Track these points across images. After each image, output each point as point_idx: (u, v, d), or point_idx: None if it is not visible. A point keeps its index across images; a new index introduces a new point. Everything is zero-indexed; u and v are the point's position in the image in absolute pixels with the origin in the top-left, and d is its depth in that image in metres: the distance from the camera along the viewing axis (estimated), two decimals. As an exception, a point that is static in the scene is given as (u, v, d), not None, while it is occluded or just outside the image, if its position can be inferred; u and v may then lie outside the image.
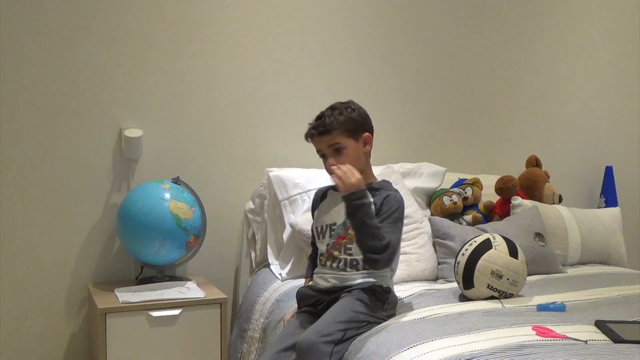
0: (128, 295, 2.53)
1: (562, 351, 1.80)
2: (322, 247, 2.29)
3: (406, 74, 3.43)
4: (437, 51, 3.50)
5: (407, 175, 3.12)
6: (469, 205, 3.15)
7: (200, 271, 2.98)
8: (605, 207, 3.73)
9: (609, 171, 3.84)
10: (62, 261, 2.81)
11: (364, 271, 2.20)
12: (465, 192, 3.14)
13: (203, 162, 3.00)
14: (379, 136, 3.37)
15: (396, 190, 2.26)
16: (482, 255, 2.40)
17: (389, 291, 2.23)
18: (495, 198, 3.25)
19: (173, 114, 2.95)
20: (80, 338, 2.85)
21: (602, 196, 3.84)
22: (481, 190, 3.20)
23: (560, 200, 3.39)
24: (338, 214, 2.25)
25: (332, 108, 2.24)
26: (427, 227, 2.88)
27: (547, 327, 2.02)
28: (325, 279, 2.25)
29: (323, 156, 2.25)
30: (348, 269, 2.21)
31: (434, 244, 2.85)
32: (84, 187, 2.82)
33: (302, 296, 2.31)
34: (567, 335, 1.94)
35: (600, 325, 2.05)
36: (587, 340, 1.91)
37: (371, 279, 2.19)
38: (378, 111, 3.37)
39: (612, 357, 1.76)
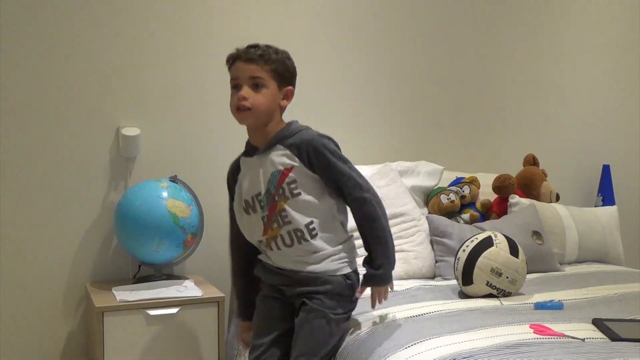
0: (125, 294, 2.53)
1: (559, 349, 1.81)
2: (254, 228, 2.06)
3: (404, 73, 3.43)
4: (435, 50, 3.50)
5: (405, 174, 3.13)
6: (466, 203, 3.15)
7: (198, 270, 2.98)
8: (602, 205, 3.74)
9: (606, 170, 3.84)
10: (60, 260, 2.81)
11: (316, 246, 2.00)
12: (463, 191, 3.14)
13: (201, 160, 3.00)
14: (378, 135, 3.39)
15: (308, 128, 2.06)
16: (482, 252, 2.40)
17: (357, 273, 2.10)
18: (492, 196, 3.25)
19: (170, 112, 2.94)
20: (78, 337, 2.85)
21: (600, 195, 3.84)
22: (479, 188, 3.21)
23: (557, 198, 3.39)
24: (258, 182, 2.03)
25: (268, 45, 2.03)
26: (424, 225, 2.88)
27: (544, 325, 2.02)
28: (277, 261, 2.07)
29: (235, 87, 1.99)
30: (296, 247, 2.01)
31: (432, 242, 2.85)
32: (81, 185, 2.82)
33: (261, 276, 2.14)
34: (565, 334, 1.94)
35: (598, 323, 2.06)
36: (584, 339, 1.91)
37: (330, 265, 2.02)
38: (376, 110, 3.38)
39: (609, 355, 1.76)
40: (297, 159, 1.98)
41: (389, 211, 2.81)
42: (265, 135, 2.03)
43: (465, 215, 3.10)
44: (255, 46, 2.00)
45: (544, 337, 1.92)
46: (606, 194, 3.81)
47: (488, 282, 2.38)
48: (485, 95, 3.65)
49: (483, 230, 2.78)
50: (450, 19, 3.52)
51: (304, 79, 3.19)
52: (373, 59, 3.36)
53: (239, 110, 1.97)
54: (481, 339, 1.90)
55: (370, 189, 2.06)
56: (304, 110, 3.21)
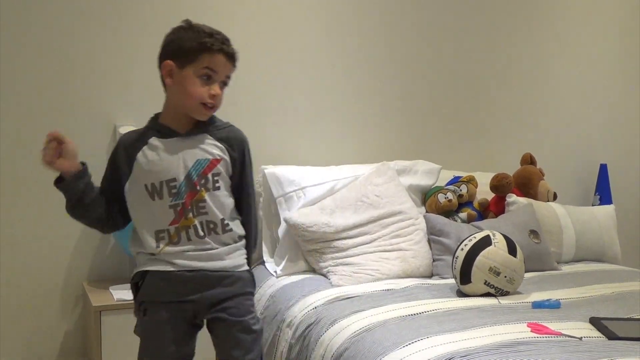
0: (123, 293, 2.53)
1: (556, 348, 1.81)
2: (159, 215, 1.87)
3: (402, 72, 3.43)
4: (433, 49, 3.50)
5: (403, 173, 3.13)
6: (463, 202, 3.15)
7: (195, 269, 2.97)
8: (599, 204, 3.74)
9: (603, 169, 3.84)
10: (57, 259, 2.81)
11: (226, 239, 1.92)
12: (460, 190, 3.14)
13: (198, 159, 2.99)
14: (376, 134, 3.39)
15: (230, 124, 1.99)
16: (481, 251, 2.41)
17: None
18: (490, 195, 3.25)
19: (168, 111, 2.94)
20: (75, 335, 2.84)
21: (597, 194, 3.84)
22: (476, 187, 3.21)
23: (554, 197, 3.39)
24: (177, 166, 1.86)
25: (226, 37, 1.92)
26: (422, 224, 2.88)
27: (542, 324, 2.02)
28: (185, 258, 1.87)
29: (209, 78, 1.86)
30: (208, 239, 1.88)
31: (429, 241, 2.85)
32: (78, 184, 2.81)
33: (159, 286, 1.88)
34: (562, 332, 1.95)
35: (595, 322, 2.06)
36: (581, 337, 1.91)
37: (238, 260, 1.95)
38: (374, 109, 3.38)
39: (606, 354, 1.76)
40: (227, 154, 1.92)
41: (386, 210, 2.84)
42: (189, 120, 1.90)
43: (463, 214, 3.10)
44: (228, 40, 1.90)
45: (542, 336, 1.92)
46: (603, 193, 3.81)
47: (486, 281, 2.39)
48: (482, 95, 3.65)
49: (480, 229, 2.78)
50: (448, 18, 3.52)
51: (302, 79, 3.21)
52: (371, 58, 3.36)
53: (207, 107, 1.87)
54: (479, 338, 1.91)
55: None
56: (303, 109, 3.22)
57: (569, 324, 2.05)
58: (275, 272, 2.78)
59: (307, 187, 2.90)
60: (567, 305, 2.30)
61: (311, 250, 2.74)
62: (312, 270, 2.77)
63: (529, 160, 3.46)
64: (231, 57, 1.89)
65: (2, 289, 2.72)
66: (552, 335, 1.93)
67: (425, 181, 3.17)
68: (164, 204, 1.86)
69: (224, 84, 1.91)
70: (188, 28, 1.90)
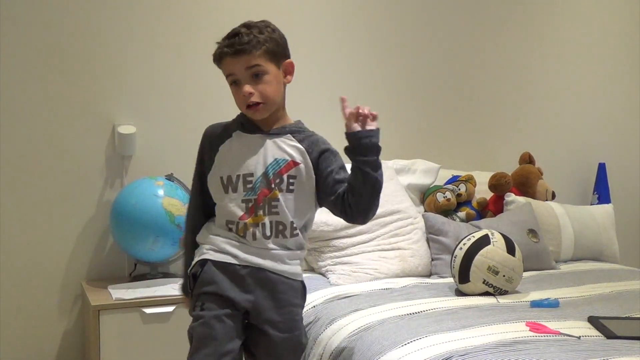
0: (121, 292, 2.53)
1: (555, 347, 1.81)
2: (231, 208, 1.84)
3: (400, 71, 3.43)
4: (432, 48, 3.50)
5: (401, 172, 3.13)
6: (462, 201, 3.15)
7: (194, 268, 2.97)
8: (598, 203, 3.74)
9: (601, 168, 3.84)
10: (56, 258, 2.80)
11: (290, 244, 1.85)
12: (459, 189, 3.15)
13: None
14: (373, 133, 3.38)
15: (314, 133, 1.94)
16: (479, 250, 2.41)
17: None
18: (488, 195, 3.25)
19: (166, 110, 2.94)
20: (74, 335, 2.84)
21: (595, 193, 3.84)
22: (475, 187, 3.21)
23: (553, 196, 3.40)
24: (256, 162, 1.84)
25: (248, 26, 1.83)
26: (420, 223, 2.89)
27: (540, 323, 2.02)
28: (247, 252, 1.83)
29: (234, 83, 1.82)
30: (273, 240, 1.83)
31: (428, 240, 2.86)
32: (77, 184, 2.81)
33: (218, 277, 1.82)
34: (560, 331, 1.95)
35: (593, 321, 2.06)
36: (580, 336, 1.91)
37: (297, 268, 1.90)
38: (372, 107, 3.37)
39: (605, 353, 1.76)
40: (307, 158, 1.85)
41: (385, 209, 2.83)
42: (273, 117, 1.88)
43: (462, 214, 3.10)
44: (237, 34, 1.80)
45: (540, 335, 1.93)
46: (602, 192, 3.81)
47: (485, 280, 2.39)
48: (481, 94, 3.65)
49: (479, 228, 2.79)
50: (447, 18, 3.52)
51: (301, 78, 3.20)
52: (370, 58, 3.36)
53: (250, 107, 1.82)
54: (477, 337, 1.91)
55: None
56: (302, 109, 3.21)
57: (568, 323, 2.05)
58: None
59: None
60: (565, 304, 2.30)
61: (310, 249, 2.74)
62: (311, 269, 2.77)
63: (527, 159, 3.46)
64: (236, 52, 1.79)
65: (1, 289, 2.72)
66: (551, 335, 1.93)
67: (424, 180, 3.17)
68: (237, 198, 1.83)
69: (253, 76, 1.80)
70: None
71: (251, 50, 1.78)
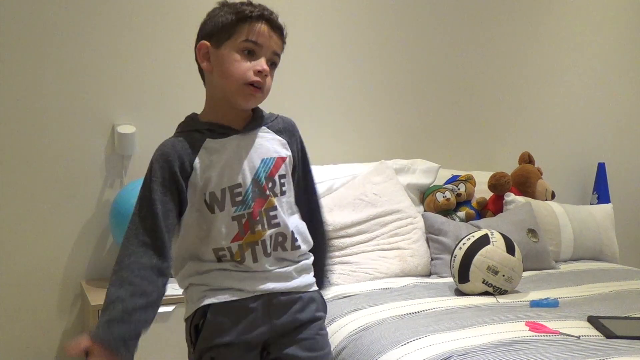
0: (121, 292, 2.53)
1: (554, 347, 1.81)
2: (219, 235, 1.50)
3: (400, 71, 3.43)
4: (432, 48, 3.50)
5: (401, 172, 3.13)
6: (462, 201, 3.15)
7: (194, 268, 2.97)
8: (597, 203, 3.74)
9: (601, 168, 3.85)
10: (55, 258, 2.80)
11: (293, 255, 1.58)
12: (459, 189, 3.15)
13: (196, 158, 2.99)
14: (374, 133, 3.39)
15: (278, 115, 1.67)
16: (479, 250, 2.41)
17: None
18: (488, 194, 3.25)
19: (166, 110, 2.94)
20: (73, 334, 2.84)
21: (595, 192, 3.85)
22: (474, 186, 3.21)
23: (553, 196, 3.40)
24: (237, 169, 1.52)
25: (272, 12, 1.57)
26: (420, 223, 2.89)
27: (540, 322, 2.02)
28: (251, 279, 1.53)
29: (250, 53, 1.51)
30: (276, 256, 1.55)
31: (427, 240, 2.86)
32: (77, 183, 2.81)
33: (225, 325, 1.52)
34: (560, 331, 1.95)
35: (593, 321, 2.06)
36: (579, 336, 1.91)
37: (308, 277, 1.63)
38: (372, 107, 3.38)
39: (604, 352, 1.76)
40: (289, 149, 1.61)
41: (385, 208, 2.84)
42: (240, 113, 1.58)
43: (461, 213, 3.10)
44: (268, 9, 1.56)
45: (540, 334, 1.93)
46: (601, 192, 3.82)
47: (484, 280, 2.39)
48: (480, 94, 3.65)
49: (479, 228, 2.79)
50: (446, 17, 3.52)
51: (299, 78, 3.21)
52: (369, 57, 3.36)
53: (253, 87, 1.50)
54: (477, 337, 1.91)
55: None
56: (300, 108, 3.22)
57: (567, 322, 2.05)
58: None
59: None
60: (565, 304, 2.30)
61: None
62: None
63: (527, 159, 3.46)
64: (275, 27, 1.53)
65: (1, 288, 2.72)
66: (550, 334, 1.93)
67: (424, 180, 3.17)
68: (226, 216, 1.51)
69: (273, 64, 1.54)
70: (223, 5, 1.60)
71: (283, 37, 1.58)
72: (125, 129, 2.81)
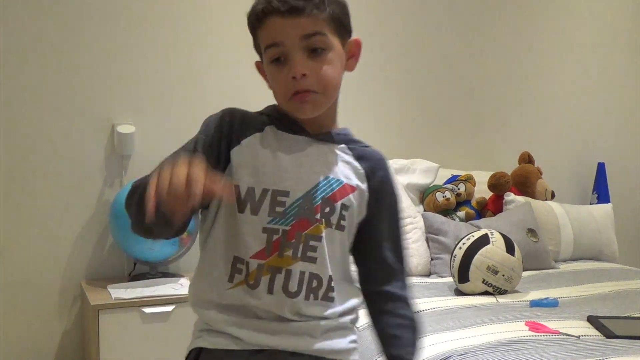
0: (121, 292, 2.53)
1: (554, 346, 1.81)
2: (244, 237, 1.20)
3: (400, 71, 3.43)
4: (432, 48, 3.50)
5: (401, 172, 3.13)
6: (461, 201, 3.15)
7: (194, 268, 2.96)
8: (597, 203, 3.74)
9: (601, 168, 3.85)
10: (55, 258, 2.80)
11: (319, 310, 1.22)
12: (458, 189, 3.15)
13: (196, 158, 2.99)
14: (374, 133, 3.38)
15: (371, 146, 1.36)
16: (479, 250, 2.41)
17: None
18: (488, 194, 3.25)
19: (165, 109, 2.93)
20: (73, 334, 2.84)
21: (594, 192, 3.85)
22: (474, 186, 3.21)
23: (552, 196, 3.40)
24: (297, 176, 1.23)
25: None
26: (420, 223, 2.89)
27: (540, 322, 2.03)
28: (254, 327, 1.21)
29: (278, 59, 1.21)
30: (301, 301, 1.20)
31: (427, 240, 2.86)
32: (76, 183, 2.81)
33: None
34: (560, 331, 1.95)
35: (593, 320, 2.06)
36: (579, 336, 1.91)
37: (342, 344, 1.27)
38: (372, 107, 3.38)
39: (604, 352, 1.76)
40: (366, 185, 1.28)
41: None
42: (320, 118, 1.27)
43: (461, 213, 3.10)
44: None
45: (540, 334, 1.93)
46: (601, 192, 3.81)
47: (484, 280, 2.39)
48: (480, 94, 3.65)
49: (479, 228, 2.79)
50: (446, 17, 3.52)
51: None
52: (368, 57, 3.34)
53: (298, 96, 1.20)
54: (477, 337, 1.91)
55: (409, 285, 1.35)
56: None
57: (567, 322, 2.05)
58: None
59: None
60: (564, 304, 2.30)
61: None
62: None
63: (527, 159, 3.46)
64: (291, 10, 1.18)
65: (0, 288, 2.72)
66: (550, 334, 1.93)
67: (423, 180, 3.17)
68: (257, 223, 1.20)
69: (313, 51, 1.21)
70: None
71: (313, 11, 1.19)
72: (124, 128, 2.81)
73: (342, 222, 1.24)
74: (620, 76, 4.06)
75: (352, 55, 1.34)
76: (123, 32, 2.85)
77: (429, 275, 2.77)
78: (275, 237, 1.20)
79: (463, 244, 2.47)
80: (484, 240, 2.44)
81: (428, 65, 3.49)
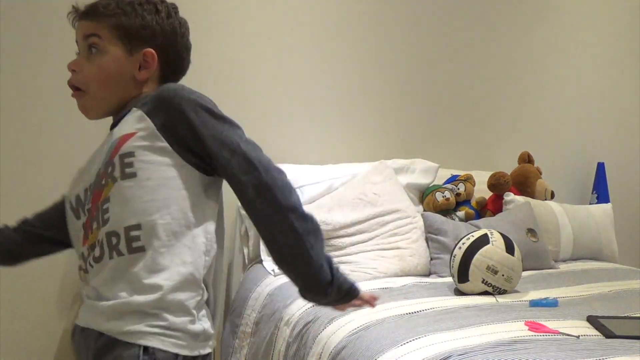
0: (120, 292, 2.52)
1: (554, 346, 1.81)
2: (78, 242, 1.38)
3: (400, 70, 3.43)
4: (431, 48, 3.50)
5: (400, 172, 3.13)
6: (461, 201, 3.16)
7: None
8: (597, 203, 3.75)
9: (600, 167, 3.85)
10: (55, 257, 2.79)
11: (141, 274, 1.22)
12: (458, 188, 3.15)
13: (196, 158, 2.99)
14: (373, 133, 3.39)
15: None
16: (478, 249, 2.41)
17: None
18: (487, 194, 3.25)
19: (165, 109, 2.94)
20: (73, 334, 2.84)
21: (594, 192, 3.85)
22: (474, 186, 3.21)
23: (552, 196, 3.40)
24: (90, 168, 1.38)
25: None
26: (419, 223, 2.89)
27: (539, 322, 2.02)
28: (84, 306, 1.34)
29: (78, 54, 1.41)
30: (108, 269, 1.25)
31: (427, 240, 2.86)
32: (76, 183, 2.81)
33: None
34: (560, 331, 1.95)
35: (592, 320, 2.06)
36: (579, 336, 1.91)
37: (132, 324, 1.23)
38: (372, 107, 3.38)
39: (603, 352, 1.76)
40: (147, 120, 1.27)
41: (384, 208, 2.83)
42: (110, 112, 1.44)
43: (461, 213, 3.10)
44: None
45: (539, 334, 1.92)
46: (601, 192, 3.82)
47: (484, 280, 2.39)
48: (480, 93, 3.65)
49: (478, 227, 2.79)
50: (445, 17, 3.52)
51: (299, 78, 3.21)
52: (368, 57, 3.36)
53: (74, 94, 1.41)
54: (476, 337, 1.90)
55: (262, 167, 1.25)
56: (299, 108, 3.22)
57: (567, 322, 2.05)
58: (273, 270, 2.78)
59: (304, 185, 2.90)
60: (564, 304, 2.30)
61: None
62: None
63: (526, 158, 3.47)
64: (82, 14, 1.38)
65: (0, 288, 2.72)
66: (550, 334, 1.93)
67: (423, 180, 3.17)
68: (79, 223, 1.38)
69: (90, 47, 1.37)
70: None
71: (96, 17, 1.33)
72: (124, 128, 2.81)
73: (128, 169, 1.24)
74: (620, 76, 4.06)
75: (145, 65, 1.37)
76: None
77: (428, 275, 2.76)
78: (85, 219, 1.31)
79: (463, 243, 2.47)
80: (483, 240, 2.44)
81: (428, 65, 3.50)
